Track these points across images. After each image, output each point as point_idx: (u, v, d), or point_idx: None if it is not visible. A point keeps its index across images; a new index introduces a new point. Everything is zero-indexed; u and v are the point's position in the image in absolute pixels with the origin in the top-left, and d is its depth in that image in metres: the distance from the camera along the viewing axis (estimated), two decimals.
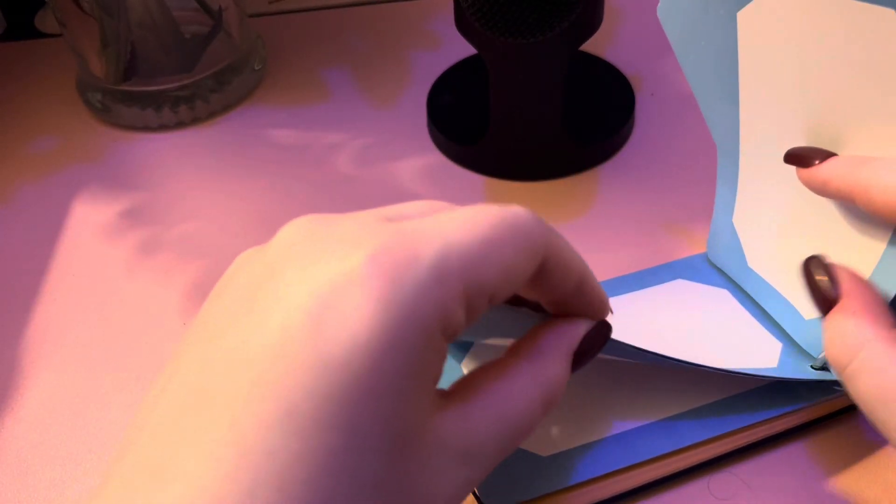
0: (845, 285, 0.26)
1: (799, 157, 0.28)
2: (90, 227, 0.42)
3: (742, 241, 0.34)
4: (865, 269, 0.28)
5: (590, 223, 0.41)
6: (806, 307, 0.31)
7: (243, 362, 0.18)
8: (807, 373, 0.30)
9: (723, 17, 0.30)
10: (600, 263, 0.38)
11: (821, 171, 0.27)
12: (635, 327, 0.32)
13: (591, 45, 0.48)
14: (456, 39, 0.42)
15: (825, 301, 0.26)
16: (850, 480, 0.30)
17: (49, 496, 0.31)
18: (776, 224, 0.33)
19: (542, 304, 0.24)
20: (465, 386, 0.22)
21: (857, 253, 0.28)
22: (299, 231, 0.21)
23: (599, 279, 0.36)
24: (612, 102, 0.46)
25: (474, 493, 0.27)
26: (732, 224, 0.34)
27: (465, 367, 0.31)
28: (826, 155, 0.27)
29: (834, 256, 0.29)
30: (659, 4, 0.32)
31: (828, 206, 0.29)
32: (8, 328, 0.37)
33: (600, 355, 0.25)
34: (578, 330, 0.24)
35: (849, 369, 0.24)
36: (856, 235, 0.28)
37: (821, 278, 0.27)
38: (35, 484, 0.32)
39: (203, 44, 0.47)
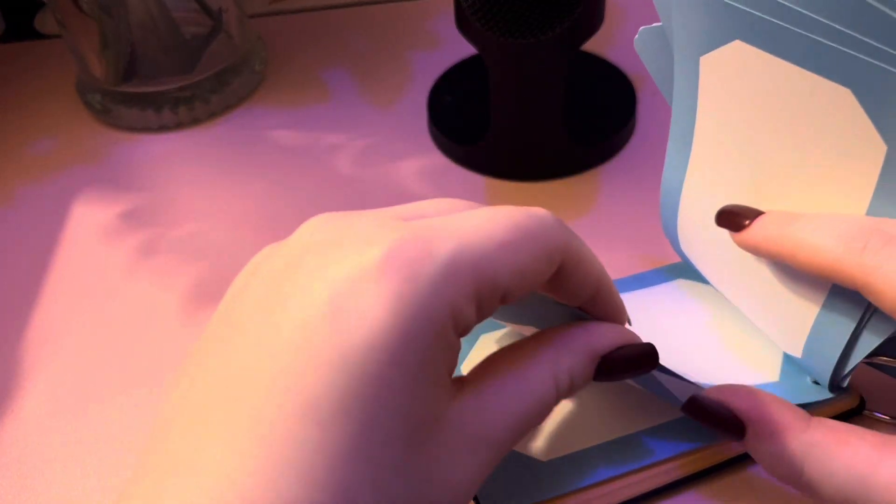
0: (744, 413, 0.25)
1: (729, 218, 0.28)
2: (90, 228, 0.42)
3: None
4: (804, 321, 0.28)
5: (590, 224, 0.41)
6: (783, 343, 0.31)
7: (265, 357, 0.19)
8: (808, 389, 0.29)
9: (687, 60, 0.29)
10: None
11: (751, 234, 0.27)
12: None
13: (592, 45, 0.48)
14: (456, 39, 0.42)
15: (737, 427, 0.26)
16: None
17: (50, 497, 0.31)
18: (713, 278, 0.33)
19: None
20: (481, 370, 0.22)
21: (795, 306, 0.28)
22: (318, 228, 0.22)
23: None
24: (614, 102, 0.46)
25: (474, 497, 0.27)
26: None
27: (467, 363, 0.31)
28: (755, 213, 0.27)
29: (773, 310, 0.29)
30: (635, 39, 0.32)
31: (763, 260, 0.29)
32: (8, 329, 0.37)
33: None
34: (612, 336, 0.24)
35: (802, 483, 0.24)
36: (795, 289, 0.28)
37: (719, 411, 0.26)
38: (35, 485, 0.32)
39: (203, 45, 0.47)
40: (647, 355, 0.24)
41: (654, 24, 0.31)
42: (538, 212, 0.22)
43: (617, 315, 0.25)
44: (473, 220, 0.21)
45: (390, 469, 0.19)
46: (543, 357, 0.23)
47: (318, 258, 0.20)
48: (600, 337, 0.24)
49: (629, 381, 0.28)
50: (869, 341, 0.27)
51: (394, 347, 0.19)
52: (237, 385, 0.19)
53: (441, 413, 0.20)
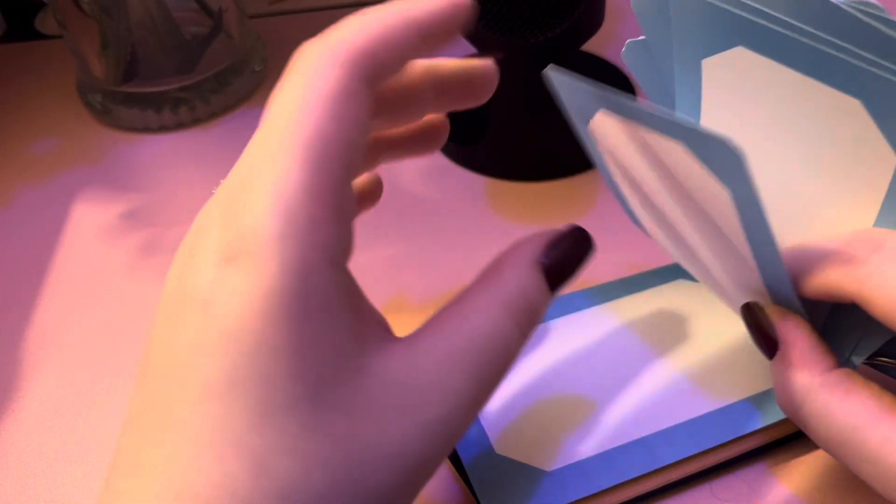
0: (781, 333, 0.26)
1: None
2: (90, 228, 0.42)
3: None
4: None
5: (590, 224, 0.40)
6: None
7: (171, 357, 0.20)
8: None
9: (688, 65, 0.29)
10: (601, 264, 0.38)
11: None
12: (632, 337, 0.32)
13: (591, 45, 0.48)
14: (456, 39, 0.42)
15: (770, 346, 0.26)
16: (860, 484, 0.30)
17: (50, 498, 0.31)
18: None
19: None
20: (422, 325, 0.21)
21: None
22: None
23: (600, 280, 0.36)
24: None
25: None
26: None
27: None
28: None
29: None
30: (622, 52, 0.32)
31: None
32: (8, 330, 0.37)
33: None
34: (540, 238, 0.23)
35: (799, 417, 0.25)
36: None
37: (762, 325, 0.26)
38: (36, 486, 0.32)
39: (203, 45, 0.47)
40: (582, 239, 0.24)
41: (641, 38, 0.31)
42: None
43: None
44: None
45: (300, 431, 0.18)
46: (486, 284, 0.21)
47: (181, 262, 0.22)
48: (533, 243, 0.22)
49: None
50: (866, 346, 0.27)
51: (265, 313, 0.18)
52: (158, 383, 0.20)
53: (354, 363, 0.19)
